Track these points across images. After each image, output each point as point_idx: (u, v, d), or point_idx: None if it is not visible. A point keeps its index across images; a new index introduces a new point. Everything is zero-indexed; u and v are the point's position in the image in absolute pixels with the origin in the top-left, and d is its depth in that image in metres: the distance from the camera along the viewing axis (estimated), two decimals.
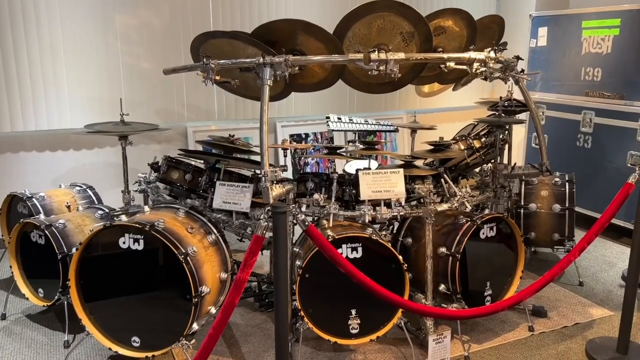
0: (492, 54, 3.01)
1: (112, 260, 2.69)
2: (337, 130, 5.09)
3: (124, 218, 2.81)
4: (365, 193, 2.87)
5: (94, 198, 3.90)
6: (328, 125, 4.45)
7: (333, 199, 2.96)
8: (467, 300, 3.03)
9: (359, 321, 2.82)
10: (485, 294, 3.17)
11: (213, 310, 2.89)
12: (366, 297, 2.74)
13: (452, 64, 2.99)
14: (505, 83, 3.57)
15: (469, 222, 3.03)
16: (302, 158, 5.48)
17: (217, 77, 2.93)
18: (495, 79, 3.34)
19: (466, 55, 2.96)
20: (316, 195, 2.93)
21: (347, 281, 2.41)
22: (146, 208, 3.03)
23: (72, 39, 4.48)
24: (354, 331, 2.84)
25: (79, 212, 3.43)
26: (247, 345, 3.06)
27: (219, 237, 3.00)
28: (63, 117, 4.54)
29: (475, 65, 2.98)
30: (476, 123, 4.10)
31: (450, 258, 2.99)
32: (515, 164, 3.98)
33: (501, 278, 3.26)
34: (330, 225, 2.89)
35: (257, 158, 3.03)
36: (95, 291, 2.73)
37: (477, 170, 3.77)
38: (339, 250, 2.75)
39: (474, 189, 3.36)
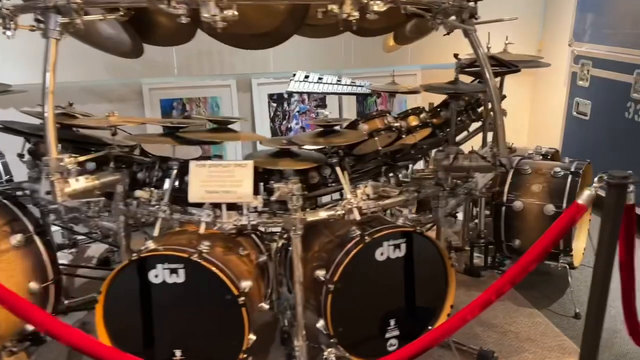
0: None
1: None
2: (297, 92, 4.20)
3: None
4: (196, 193, 2.05)
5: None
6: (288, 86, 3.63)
7: (167, 197, 2.17)
8: (350, 344, 2.18)
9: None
10: (388, 335, 2.27)
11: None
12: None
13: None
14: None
15: (357, 239, 2.13)
16: None
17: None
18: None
19: None
20: (139, 192, 2.17)
21: None
22: None
23: None
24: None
25: None
26: None
27: (37, 237, 2.35)
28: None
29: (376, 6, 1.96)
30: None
31: (324, 287, 2.12)
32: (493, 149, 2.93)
33: (420, 313, 2.33)
34: (156, 232, 2.13)
35: None
36: None
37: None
38: (153, 272, 2.00)
39: (395, 187, 2.39)
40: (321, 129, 2.27)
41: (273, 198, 2.02)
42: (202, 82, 4.54)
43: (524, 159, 3.15)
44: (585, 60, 4.10)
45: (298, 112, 4.76)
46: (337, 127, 2.32)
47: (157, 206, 2.15)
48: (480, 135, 3.31)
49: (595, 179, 1.75)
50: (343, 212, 2.15)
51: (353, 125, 2.48)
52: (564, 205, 2.83)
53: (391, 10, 1.99)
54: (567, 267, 2.90)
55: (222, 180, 2.04)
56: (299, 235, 2.09)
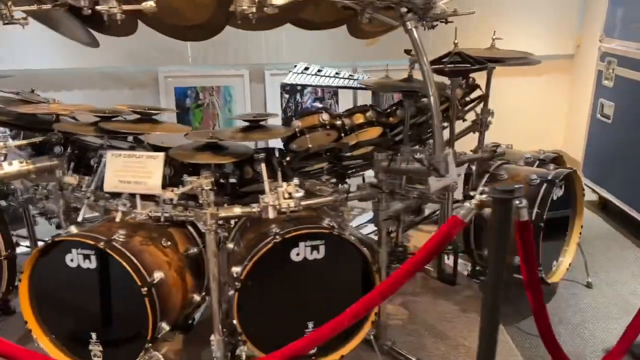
0: None
1: None
2: (292, 84, 4.15)
3: None
4: (111, 182, 2.10)
5: None
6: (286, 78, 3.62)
7: (93, 184, 2.24)
8: (264, 343, 2.15)
9: None
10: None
11: None
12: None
13: None
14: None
15: (270, 237, 2.08)
16: None
17: None
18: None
19: None
20: (67, 178, 2.25)
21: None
22: None
23: None
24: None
25: None
26: None
27: None
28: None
29: None
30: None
31: (233, 284, 2.11)
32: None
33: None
34: (80, 218, 2.21)
35: None
36: None
37: None
38: (69, 256, 2.08)
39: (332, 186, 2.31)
40: (246, 124, 2.24)
41: (180, 191, 2.02)
42: (216, 71, 4.62)
43: (505, 164, 2.94)
44: (610, 58, 3.73)
45: (311, 104, 4.72)
46: (264, 123, 2.26)
47: (83, 193, 2.22)
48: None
49: (477, 193, 1.59)
50: (259, 209, 2.11)
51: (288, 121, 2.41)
52: (533, 216, 2.61)
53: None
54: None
55: (134, 171, 2.07)
56: (212, 231, 2.09)
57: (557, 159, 3.32)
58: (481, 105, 3.00)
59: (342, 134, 2.39)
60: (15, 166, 2.20)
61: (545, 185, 2.65)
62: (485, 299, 1.63)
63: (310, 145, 2.27)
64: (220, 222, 2.11)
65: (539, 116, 5.08)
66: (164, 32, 2.35)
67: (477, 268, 3.12)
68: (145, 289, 2.03)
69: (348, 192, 2.24)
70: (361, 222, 3.82)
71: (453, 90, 2.67)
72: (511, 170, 2.86)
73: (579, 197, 2.95)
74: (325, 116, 2.31)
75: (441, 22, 2.92)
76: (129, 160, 2.08)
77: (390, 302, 2.86)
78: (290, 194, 2.15)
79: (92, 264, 2.09)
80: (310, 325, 2.21)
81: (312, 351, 2.23)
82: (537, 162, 3.18)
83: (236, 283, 2.07)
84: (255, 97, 4.69)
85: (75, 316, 2.19)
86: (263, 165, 2.18)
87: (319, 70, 3.61)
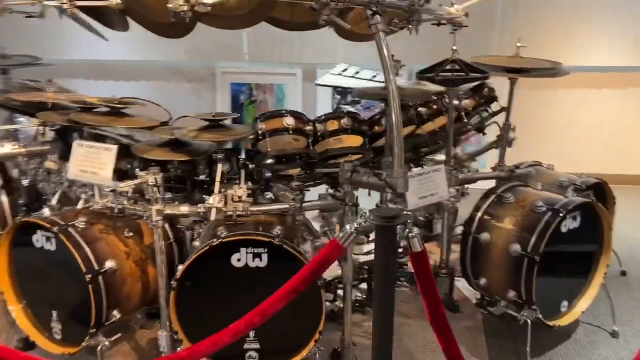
0: None
1: None
2: (323, 86, 4.03)
3: None
4: (73, 170, 2.19)
5: None
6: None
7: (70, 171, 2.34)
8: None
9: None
10: (247, 347, 2.16)
11: None
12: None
13: None
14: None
15: (212, 240, 2.05)
16: None
17: None
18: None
19: None
20: (48, 163, 2.39)
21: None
22: None
23: None
24: None
25: None
26: None
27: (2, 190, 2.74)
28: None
29: None
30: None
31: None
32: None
33: (284, 334, 2.16)
34: (53, 202, 2.33)
35: None
36: None
37: None
38: (35, 237, 2.20)
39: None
40: (207, 123, 2.21)
41: (127, 184, 2.05)
42: (270, 69, 4.66)
43: (520, 186, 2.63)
44: None
45: (362, 106, 4.58)
46: (225, 122, 2.22)
47: (58, 179, 2.34)
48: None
49: (359, 217, 1.42)
50: (204, 210, 2.08)
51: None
52: (529, 247, 2.30)
53: None
54: (528, 322, 2.36)
55: (92, 161, 2.14)
56: (158, 226, 2.10)
57: (598, 186, 2.92)
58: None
59: (313, 140, 2.27)
60: (6, 148, 2.37)
61: (549, 214, 2.33)
62: (373, 335, 1.46)
63: (269, 149, 2.19)
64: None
65: (619, 134, 4.50)
66: (145, 27, 2.38)
67: (486, 297, 2.83)
68: (90, 275, 2.09)
69: (302, 201, 2.13)
70: None
71: (450, 99, 2.44)
72: (521, 193, 2.55)
73: (606, 231, 2.55)
74: (289, 120, 2.22)
75: (457, 27, 2.72)
76: (89, 151, 2.15)
77: None
78: (239, 197, 2.10)
79: (52, 246, 2.20)
80: (252, 333, 2.14)
81: None
82: (571, 187, 2.81)
83: (171, 282, 2.07)
84: (307, 96, 4.66)
85: (39, 294, 2.32)
86: (219, 165, 2.15)
87: (356, 72, 3.50)
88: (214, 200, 2.06)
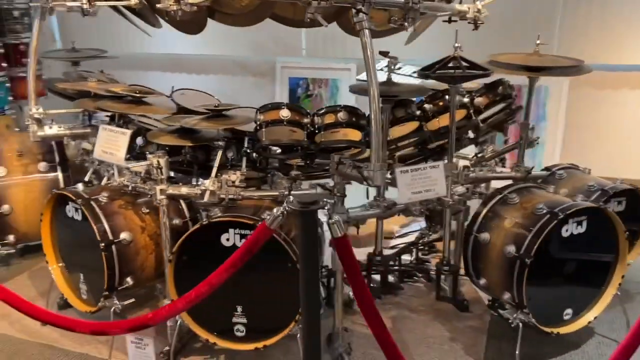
0: None
1: None
2: (362, 81, 4.02)
3: None
4: (97, 151, 2.48)
5: None
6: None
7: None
8: (196, 315, 2.33)
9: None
10: (235, 320, 2.33)
11: None
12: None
13: None
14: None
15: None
16: None
17: None
18: None
19: None
20: (85, 144, 2.70)
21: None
22: None
23: None
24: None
25: None
26: None
27: (58, 167, 3.13)
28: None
29: None
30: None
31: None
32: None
33: (269, 312, 2.30)
34: (86, 178, 2.65)
35: None
36: None
37: None
38: (67, 207, 2.53)
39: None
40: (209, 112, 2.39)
41: (137, 165, 2.29)
42: (326, 64, 4.78)
43: (532, 187, 2.56)
44: None
45: None
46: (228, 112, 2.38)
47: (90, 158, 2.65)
48: None
49: (285, 201, 1.52)
50: (199, 192, 2.28)
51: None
52: (522, 250, 2.25)
53: None
54: (520, 325, 2.31)
55: (111, 144, 2.41)
56: (163, 206, 2.33)
57: (631, 192, 2.75)
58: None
59: (310, 132, 2.38)
60: (54, 130, 2.72)
61: (548, 216, 2.26)
62: (302, 331, 1.56)
63: (264, 139, 2.33)
64: None
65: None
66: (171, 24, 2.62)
67: (496, 299, 2.78)
68: (103, 244, 2.36)
69: (290, 189, 2.26)
70: (411, 229, 3.67)
71: (452, 96, 2.43)
72: (528, 195, 2.49)
73: (621, 241, 2.41)
74: (284, 112, 2.34)
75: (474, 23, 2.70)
76: (109, 134, 2.43)
77: (383, 311, 2.75)
78: (233, 182, 2.27)
79: (79, 216, 2.51)
80: (239, 308, 2.31)
81: (241, 334, 2.33)
82: (598, 192, 2.68)
83: (169, 255, 2.28)
84: None
85: (71, 257, 2.65)
86: (219, 152, 2.34)
87: (398, 68, 3.56)
88: (209, 183, 2.25)
